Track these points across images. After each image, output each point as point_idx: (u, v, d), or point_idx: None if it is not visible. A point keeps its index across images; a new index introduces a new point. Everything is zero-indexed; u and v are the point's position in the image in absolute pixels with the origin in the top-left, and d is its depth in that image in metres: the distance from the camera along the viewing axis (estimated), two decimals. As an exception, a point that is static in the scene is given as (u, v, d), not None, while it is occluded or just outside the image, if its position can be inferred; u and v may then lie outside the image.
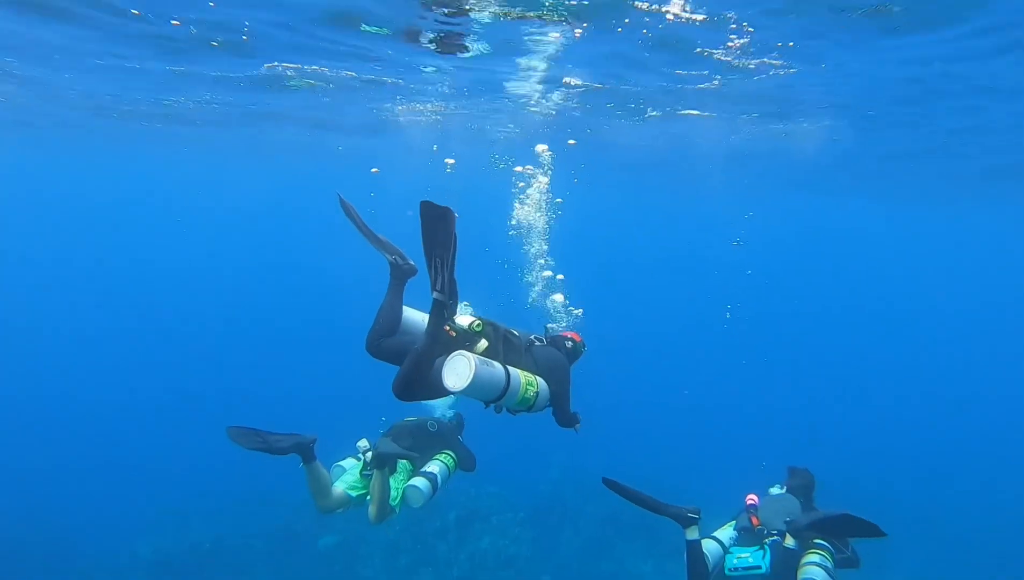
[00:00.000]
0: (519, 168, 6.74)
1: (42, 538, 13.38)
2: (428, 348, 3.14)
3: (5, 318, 29.93)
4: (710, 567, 3.74)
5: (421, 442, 4.68)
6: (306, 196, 35.42)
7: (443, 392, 3.18)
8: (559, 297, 4.97)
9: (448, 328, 3.31)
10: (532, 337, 3.89)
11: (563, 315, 4.85)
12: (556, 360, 3.83)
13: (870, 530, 3.35)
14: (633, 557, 12.44)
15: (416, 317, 3.82)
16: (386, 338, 3.52)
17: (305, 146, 21.30)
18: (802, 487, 4.49)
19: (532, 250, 6.09)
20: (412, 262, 3.82)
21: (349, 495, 4.25)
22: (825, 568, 3.63)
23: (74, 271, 41.73)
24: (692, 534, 3.71)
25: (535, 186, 6.58)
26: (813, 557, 3.70)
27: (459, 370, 3.07)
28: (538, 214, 6.32)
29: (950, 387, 33.50)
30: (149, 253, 47.01)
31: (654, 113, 12.00)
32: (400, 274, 3.72)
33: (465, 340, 3.34)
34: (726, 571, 3.67)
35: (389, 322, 3.54)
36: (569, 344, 4.07)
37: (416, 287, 3.83)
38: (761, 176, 19.41)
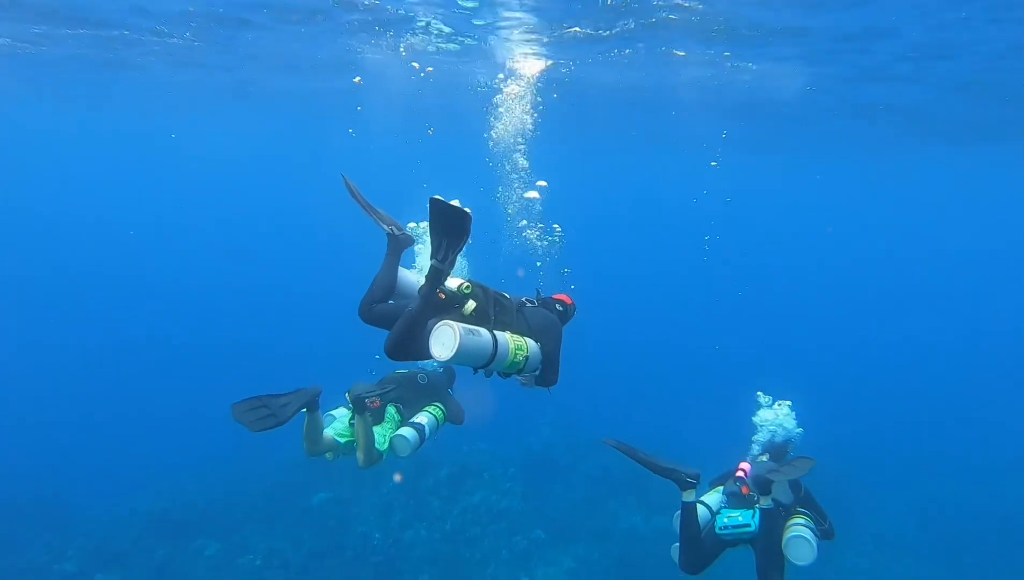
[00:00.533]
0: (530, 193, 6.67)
1: (41, 497, 13.54)
2: (421, 310, 3.15)
3: (5, 281, 29.81)
4: (702, 529, 3.80)
5: (411, 394, 4.75)
6: (291, 145, 35.05)
7: (429, 357, 3.18)
8: None
9: (438, 290, 3.33)
10: (523, 299, 3.89)
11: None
12: (548, 320, 3.82)
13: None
14: (624, 511, 12.67)
15: (408, 278, 3.84)
16: (379, 303, 3.56)
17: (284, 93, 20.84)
18: (778, 454, 4.58)
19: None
20: (408, 233, 3.95)
21: (337, 441, 4.28)
22: (810, 528, 3.72)
23: (69, 233, 41.43)
24: (689, 497, 3.76)
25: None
26: (799, 520, 3.79)
27: (444, 340, 3.05)
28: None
29: (923, 338, 34.18)
30: (142, 210, 46.55)
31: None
32: (397, 245, 3.80)
33: (454, 302, 3.34)
34: (717, 530, 3.73)
35: (384, 290, 3.58)
36: (560, 307, 4.06)
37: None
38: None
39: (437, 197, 2.98)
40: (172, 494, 13.34)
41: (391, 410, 4.59)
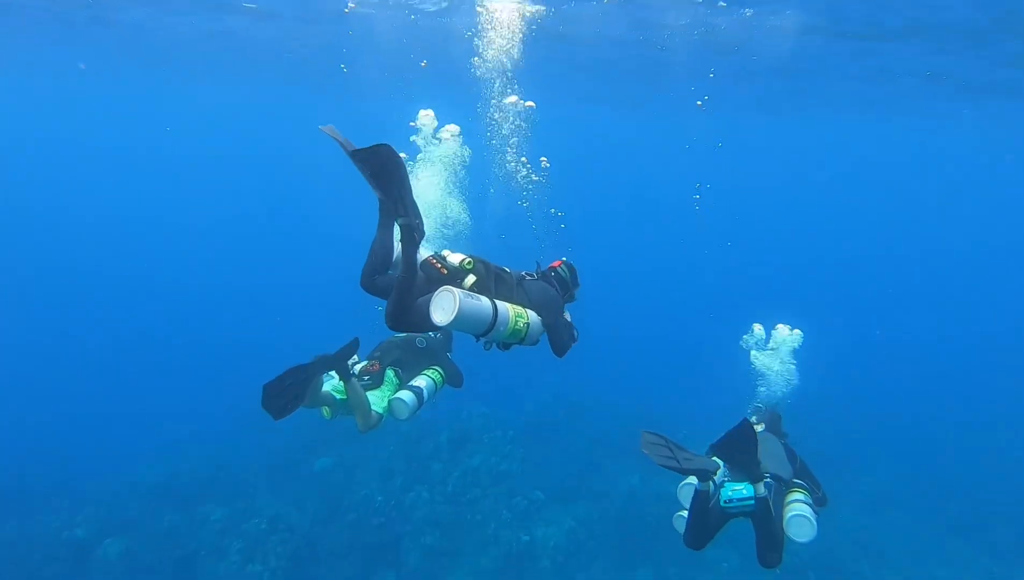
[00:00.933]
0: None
1: (49, 468, 13.73)
2: (408, 275, 3.14)
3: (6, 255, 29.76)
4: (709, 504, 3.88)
5: (410, 357, 4.78)
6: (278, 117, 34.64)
7: (432, 326, 3.22)
8: None
9: (440, 266, 3.39)
10: (523, 273, 3.94)
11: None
12: (547, 293, 3.87)
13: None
14: (622, 472, 12.86)
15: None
16: (379, 274, 3.56)
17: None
18: (774, 423, 4.64)
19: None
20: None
21: (334, 395, 4.34)
22: (809, 504, 3.80)
23: (75, 205, 41.21)
24: (705, 487, 3.81)
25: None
26: (797, 495, 3.88)
27: (444, 304, 3.10)
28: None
29: (916, 303, 34.35)
30: (145, 189, 46.13)
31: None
32: (390, 210, 3.71)
33: (456, 277, 3.39)
34: (721, 503, 3.78)
35: (381, 258, 3.55)
36: (552, 274, 4.10)
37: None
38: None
39: (355, 149, 2.90)
40: (176, 463, 13.54)
41: (390, 373, 4.63)
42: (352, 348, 4.23)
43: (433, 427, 13.31)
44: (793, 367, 5.16)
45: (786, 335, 5.33)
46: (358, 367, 4.59)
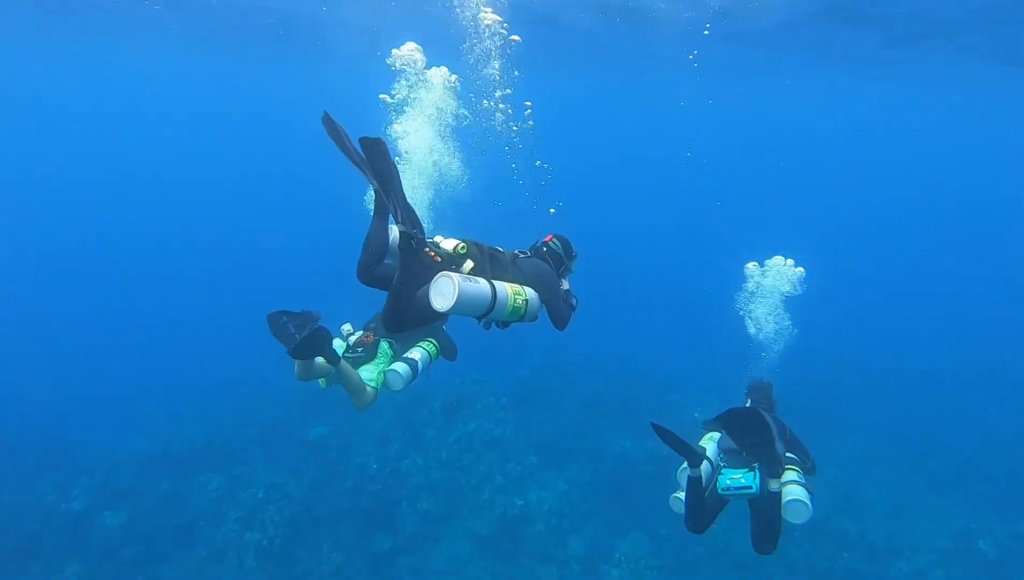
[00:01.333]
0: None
1: (44, 440, 13.76)
2: (404, 280, 3.16)
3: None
4: (705, 491, 3.96)
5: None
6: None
7: (433, 316, 3.22)
8: None
9: (434, 254, 3.37)
10: (516, 251, 3.96)
11: None
12: (541, 269, 3.89)
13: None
14: (614, 435, 13.06)
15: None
16: (376, 266, 3.55)
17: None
18: (764, 398, 4.70)
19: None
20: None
21: (329, 368, 4.33)
22: (801, 483, 3.84)
23: (71, 174, 40.51)
24: (696, 472, 3.91)
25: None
26: (790, 474, 3.91)
27: (444, 290, 3.10)
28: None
29: (899, 263, 34.64)
30: (137, 159, 45.32)
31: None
32: (384, 202, 3.68)
33: (451, 263, 3.39)
34: (719, 490, 3.87)
35: (377, 249, 3.54)
36: (545, 249, 4.12)
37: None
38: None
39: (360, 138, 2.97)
40: (171, 433, 13.61)
41: (384, 345, 4.65)
42: (317, 338, 3.99)
43: (427, 394, 13.42)
44: (786, 300, 5.14)
45: (782, 266, 5.30)
46: (353, 338, 4.61)
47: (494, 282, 3.36)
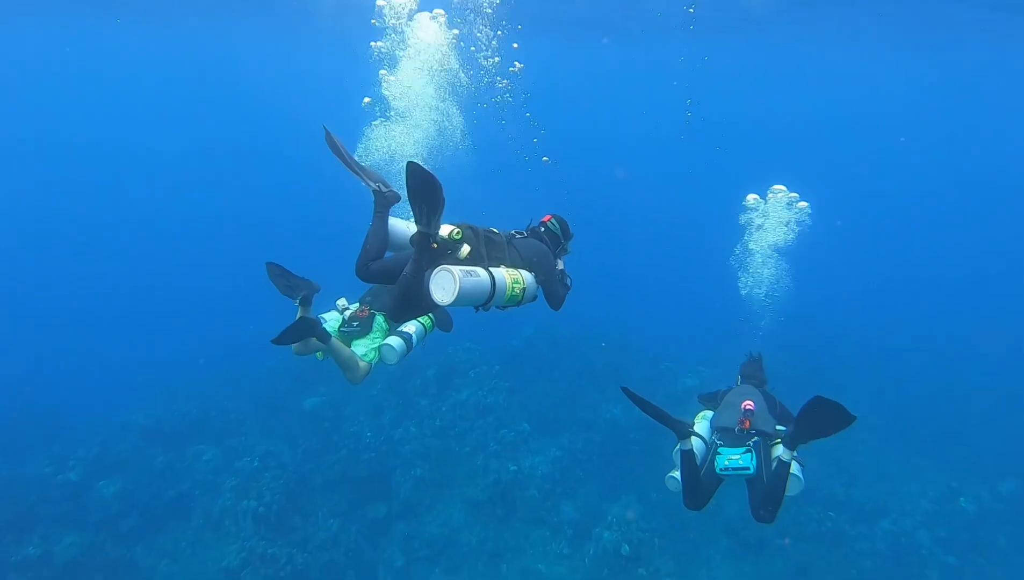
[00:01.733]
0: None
1: (39, 413, 13.78)
2: (415, 275, 3.20)
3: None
4: (701, 468, 4.01)
5: None
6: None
7: (434, 306, 3.26)
8: None
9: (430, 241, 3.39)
10: (512, 232, 3.95)
11: None
12: (538, 249, 3.90)
13: (844, 417, 3.52)
14: (605, 402, 13.20)
15: (399, 227, 3.81)
16: (374, 262, 3.57)
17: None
18: (756, 372, 4.75)
19: None
20: (395, 190, 3.85)
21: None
22: (796, 460, 3.91)
23: (58, 144, 39.85)
24: (687, 445, 3.94)
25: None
26: (781, 448, 3.96)
27: (444, 285, 3.13)
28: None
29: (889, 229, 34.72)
30: (129, 128, 44.41)
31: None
32: (384, 202, 3.74)
33: (448, 248, 3.37)
34: (717, 471, 3.94)
35: (376, 248, 3.57)
36: (543, 229, 4.12)
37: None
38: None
39: (415, 162, 2.97)
40: (164, 405, 13.64)
41: (379, 319, 4.65)
42: (303, 325, 4.13)
43: (420, 363, 13.46)
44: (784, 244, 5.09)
45: (783, 197, 5.22)
46: (348, 313, 4.61)
47: (492, 271, 3.37)
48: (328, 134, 3.78)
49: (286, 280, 4.19)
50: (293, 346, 4.20)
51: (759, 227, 5.24)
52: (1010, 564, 10.36)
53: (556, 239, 4.14)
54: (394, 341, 4.45)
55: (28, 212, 30.04)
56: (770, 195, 5.12)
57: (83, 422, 13.28)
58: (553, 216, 4.19)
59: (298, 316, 4.13)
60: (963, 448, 13.15)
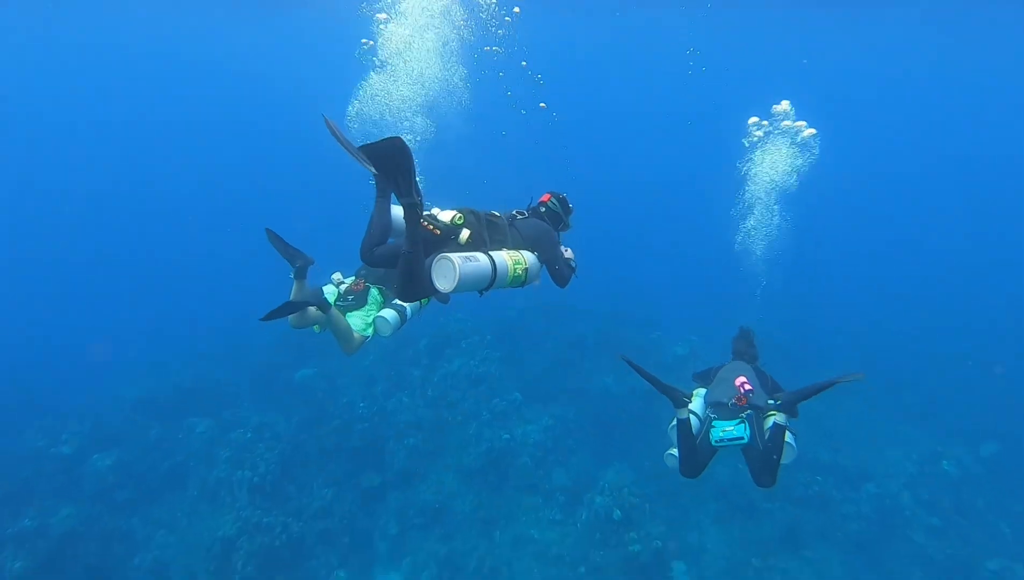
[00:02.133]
0: None
1: (31, 387, 13.78)
2: (413, 250, 3.19)
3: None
4: (696, 438, 4.12)
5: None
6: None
7: (437, 291, 3.28)
8: None
9: (432, 227, 3.39)
10: (513, 212, 3.95)
11: None
12: (539, 229, 3.90)
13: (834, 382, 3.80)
14: (596, 372, 13.31)
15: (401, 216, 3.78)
16: (379, 246, 3.57)
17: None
18: (747, 348, 4.81)
19: None
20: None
21: (321, 315, 4.42)
22: (788, 429, 4.09)
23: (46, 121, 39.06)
24: (683, 414, 4.07)
25: None
26: (776, 418, 4.11)
27: (445, 273, 3.16)
28: None
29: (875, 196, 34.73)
30: (122, 105, 43.43)
31: None
32: (385, 185, 3.69)
33: (450, 234, 3.41)
34: (712, 442, 4.04)
35: (380, 231, 3.55)
36: (543, 209, 4.12)
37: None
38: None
39: (366, 144, 2.96)
40: (157, 378, 13.64)
41: (374, 292, 4.68)
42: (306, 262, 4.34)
43: (412, 335, 13.49)
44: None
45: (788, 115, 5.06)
46: (343, 286, 4.64)
47: (493, 255, 3.39)
48: (327, 122, 3.70)
49: (284, 248, 4.31)
50: (290, 319, 4.23)
51: (760, 159, 5.11)
52: (989, 524, 10.66)
53: (557, 217, 4.15)
54: (388, 314, 4.48)
55: (15, 188, 29.55)
56: (773, 115, 4.94)
57: (75, 396, 13.27)
58: (552, 194, 4.19)
59: (293, 290, 4.21)
60: (946, 413, 13.42)
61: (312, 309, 4.28)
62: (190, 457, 11.37)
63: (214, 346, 15.47)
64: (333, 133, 3.50)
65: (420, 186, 3.27)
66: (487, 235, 3.56)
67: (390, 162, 3.00)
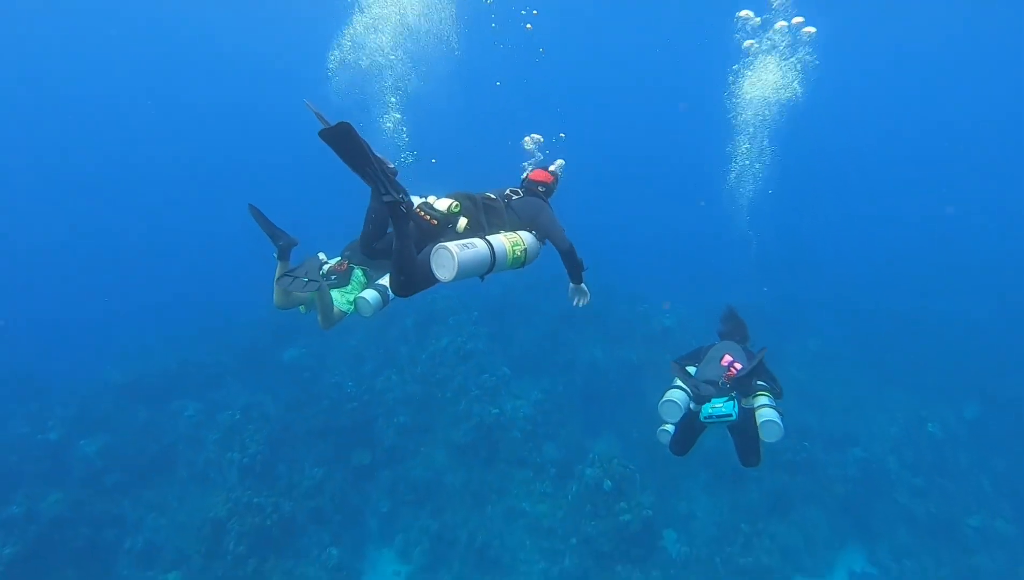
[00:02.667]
0: None
1: (14, 373, 13.61)
2: (401, 247, 3.13)
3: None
4: (684, 415, 4.20)
5: None
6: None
7: (436, 281, 3.25)
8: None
9: (428, 217, 3.36)
10: (508, 192, 3.92)
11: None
12: (535, 206, 3.89)
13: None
14: (584, 345, 13.32)
15: None
16: (378, 240, 3.53)
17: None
18: (736, 329, 4.90)
19: None
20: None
21: (307, 295, 4.44)
22: (772, 406, 4.16)
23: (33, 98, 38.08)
24: (673, 394, 4.14)
25: None
26: (763, 399, 4.21)
27: (444, 263, 3.13)
28: None
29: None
30: (107, 81, 42.34)
31: None
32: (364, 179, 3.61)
33: (447, 223, 3.38)
34: (702, 418, 4.12)
35: (378, 224, 3.50)
36: (541, 189, 4.10)
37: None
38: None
39: (321, 131, 2.76)
40: (143, 362, 13.52)
41: (357, 272, 4.67)
42: (290, 243, 4.34)
43: (399, 312, 13.40)
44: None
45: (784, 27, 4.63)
46: (327, 266, 4.60)
47: (491, 241, 3.36)
48: (317, 112, 3.57)
49: (267, 225, 4.28)
50: (275, 299, 4.25)
51: (755, 62, 4.72)
52: (971, 482, 10.88)
53: (548, 187, 4.15)
54: (369, 294, 4.45)
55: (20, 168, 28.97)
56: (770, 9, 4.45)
57: (60, 381, 13.14)
58: (537, 168, 4.18)
59: (277, 270, 4.18)
60: (930, 376, 13.58)
61: (298, 293, 4.28)
62: (179, 440, 11.33)
63: (199, 327, 15.32)
64: (319, 118, 3.38)
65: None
66: (484, 219, 3.53)
67: (343, 150, 2.81)
